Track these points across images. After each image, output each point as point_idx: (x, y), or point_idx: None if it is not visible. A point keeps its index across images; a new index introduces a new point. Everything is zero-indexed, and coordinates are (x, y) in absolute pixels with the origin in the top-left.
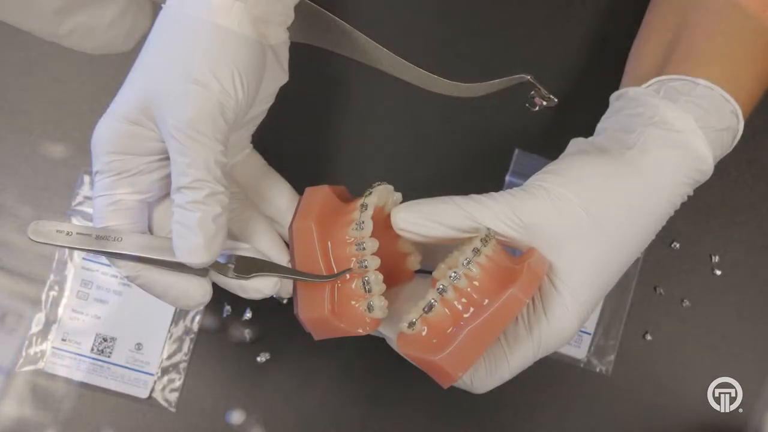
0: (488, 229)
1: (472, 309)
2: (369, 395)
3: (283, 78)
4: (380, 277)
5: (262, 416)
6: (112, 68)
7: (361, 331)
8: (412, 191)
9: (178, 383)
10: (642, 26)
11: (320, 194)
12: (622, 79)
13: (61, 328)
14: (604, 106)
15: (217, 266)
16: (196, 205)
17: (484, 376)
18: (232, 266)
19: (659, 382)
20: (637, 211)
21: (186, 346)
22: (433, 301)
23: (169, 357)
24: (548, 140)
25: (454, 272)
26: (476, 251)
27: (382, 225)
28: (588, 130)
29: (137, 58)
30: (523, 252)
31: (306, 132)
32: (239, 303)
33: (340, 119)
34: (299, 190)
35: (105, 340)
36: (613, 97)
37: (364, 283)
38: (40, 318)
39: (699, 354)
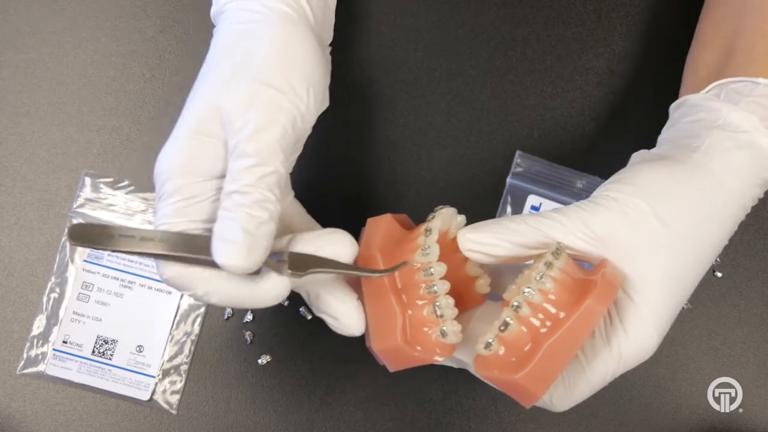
0: (558, 242)
1: (549, 323)
2: (370, 397)
3: (325, 104)
4: (451, 301)
5: (263, 418)
6: (113, 70)
7: (437, 359)
8: (412, 191)
9: (179, 385)
10: (695, 38)
11: (383, 223)
12: (680, 90)
13: (62, 330)
14: (603, 108)
15: (271, 264)
16: (241, 209)
17: (563, 394)
18: (287, 263)
19: (660, 384)
20: (710, 216)
21: (187, 348)
22: (508, 319)
23: (170, 359)
24: (549, 143)
25: (528, 287)
26: (548, 265)
27: (448, 249)
28: (588, 133)
29: (196, 79)
30: (594, 265)
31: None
32: None
33: (341, 122)
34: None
35: (106, 342)
36: (672, 107)
37: (435, 309)
38: (41, 320)
39: (699, 356)
